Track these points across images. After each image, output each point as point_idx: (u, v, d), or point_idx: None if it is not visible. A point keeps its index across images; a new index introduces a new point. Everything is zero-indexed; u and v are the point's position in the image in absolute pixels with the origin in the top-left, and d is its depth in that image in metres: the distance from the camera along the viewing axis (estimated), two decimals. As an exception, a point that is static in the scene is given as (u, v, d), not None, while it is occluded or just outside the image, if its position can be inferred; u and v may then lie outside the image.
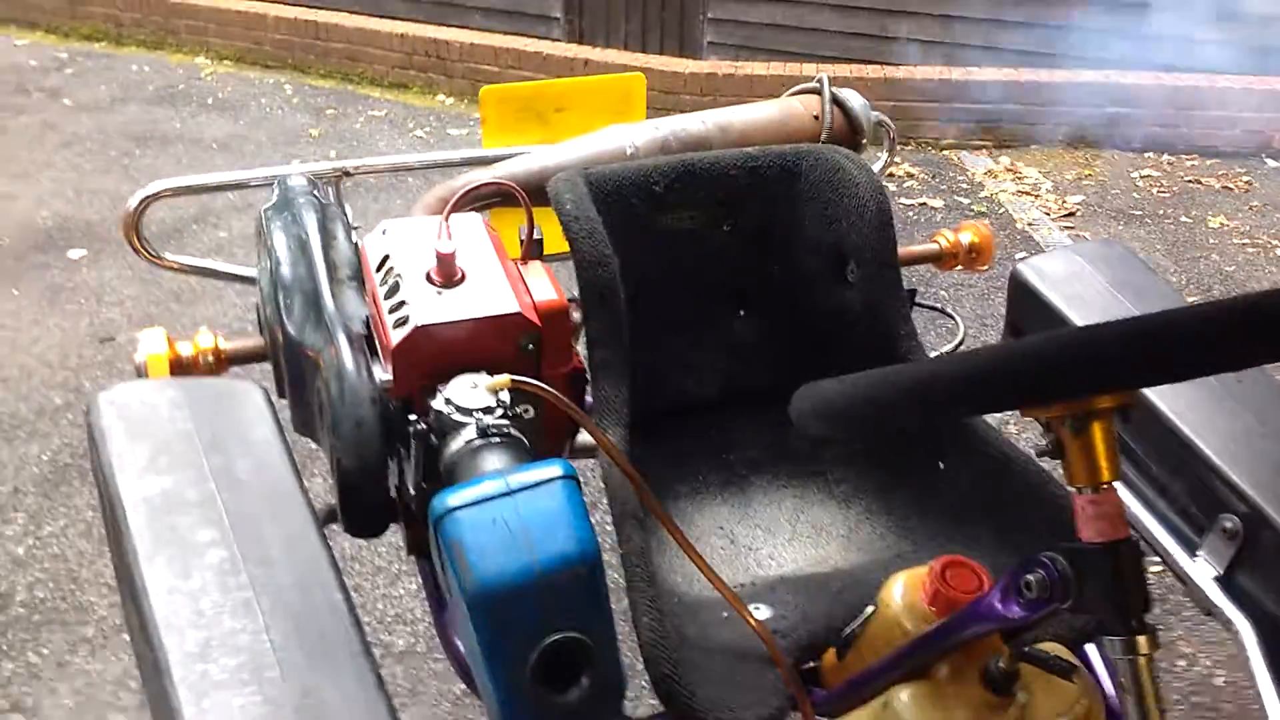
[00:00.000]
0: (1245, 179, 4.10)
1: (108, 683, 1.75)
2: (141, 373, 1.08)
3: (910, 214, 3.69)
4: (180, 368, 1.11)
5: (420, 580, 1.23)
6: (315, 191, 1.18)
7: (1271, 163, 4.27)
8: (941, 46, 4.48)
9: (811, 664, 0.97)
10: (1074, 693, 0.79)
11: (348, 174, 1.34)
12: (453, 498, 0.73)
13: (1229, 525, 1.00)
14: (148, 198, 1.29)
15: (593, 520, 0.77)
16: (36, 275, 3.05)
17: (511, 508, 0.72)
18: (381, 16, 5.07)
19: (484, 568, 0.70)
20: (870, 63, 4.53)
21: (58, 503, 2.16)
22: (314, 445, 1.13)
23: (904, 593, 0.86)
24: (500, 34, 4.92)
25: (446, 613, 1.03)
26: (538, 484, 0.74)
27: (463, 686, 1.56)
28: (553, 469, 0.75)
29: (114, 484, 0.81)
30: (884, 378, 0.66)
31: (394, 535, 1.07)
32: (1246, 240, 3.59)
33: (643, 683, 0.89)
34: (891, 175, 3.97)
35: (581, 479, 0.77)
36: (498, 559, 0.70)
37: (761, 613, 1.02)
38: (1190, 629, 1.92)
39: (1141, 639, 0.66)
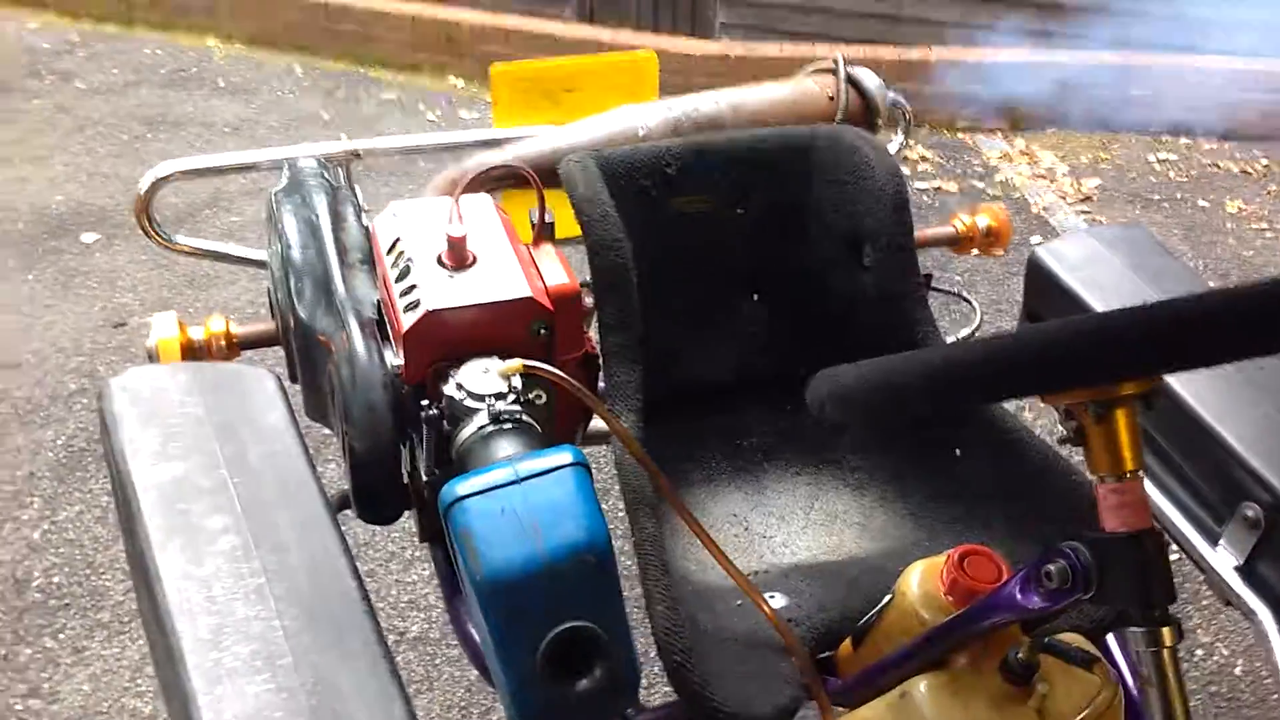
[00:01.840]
0: (1264, 163, 4.05)
1: (124, 668, 1.76)
2: (153, 358, 1.08)
3: (924, 198, 3.65)
4: (192, 352, 1.10)
5: (433, 566, 1.23)
6: (325, 174, 1.17)
7: (1291, 146, 4.21)
8: (957, 27, 4.43)
9: (827, 653, 0.96)
10: (1095, 684, 0.78)
11: (358, 156, 1.33)
12: (461, 486, 0.72)
13: (1250, 514, 0.99)
14: (159, 179, 1.28)
15: (605, 506, 0.76)
16: (50, 260, 3.06)
17: (520, 496, 0.72)
18: (392, -2, 5.04)
19: (492, 557, 0.70)
20: (885, 44, 4.49)
21: (73, 488, 2.17)
22: (328, 431, 1.12)
23: (921, 582, 0.85)
24: (512, 15, 4.89)
25: (459, 600, 1.02)
26: (547, 471, 0.73)
27: (476, 673, 1.56)
28: (562, 456, 0.74)
29: (126, 470, 0.81)
30: (901, 364, 0.65)
31: (407, 520, 1.07)
32: (1265, 225, 3.55)
33: (658, 670, 0.88)
34: (905, 158, 3.93)
35: (594, 465, 0.76)
36: (506, 548, 0.70)
37: (776, 601, 1.01)
38: (1208, 618, 1.90)
39: (1165, 630, 0.65)
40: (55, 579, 1.94)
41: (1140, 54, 4.25)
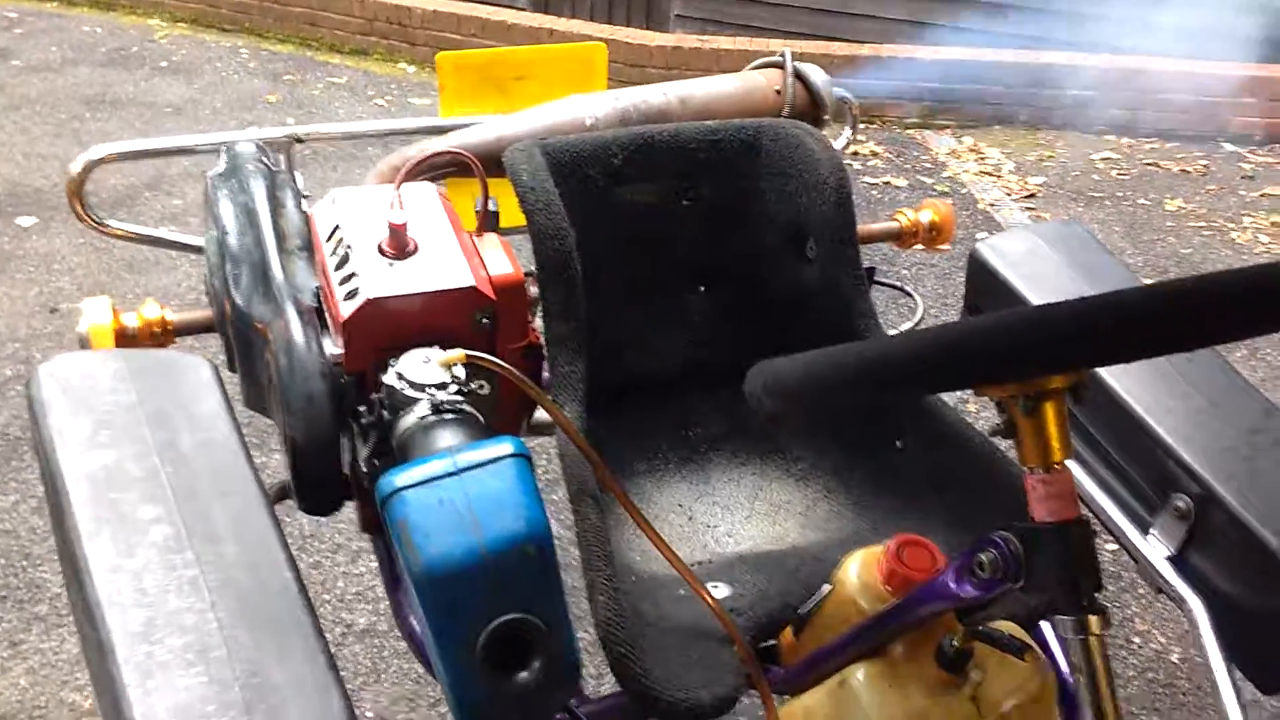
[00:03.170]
0: (1202, 162, 4.15)
1: (63, 661, 1.72)
2: (85, 344, 1.05)
3: (874, 193, 3.69)
4: (125, 339, 1.08)
5: (377, 558, 1.22)
6: (265, 158, 1.15)
7: (1228, 146, 4.32)
8: (904, 24, 4.48)
9: (769, 642, 0.97)
10: (1027, 671, 0.79)
11: (299, 140, 1.30)
12: (399, 477, 0.71)
13: (1181, 505, 1.01)
14: (92, 162, 1.25)
15: (554, 498, 0.76)
16: (-17, 243, 2.97)
17: (459, 487, 0.71)
18: (342, -18, 4.96)
19: (429, 549, 0.69)
20: (836, 39, 4.52)
21: (8, 477, 2.11)
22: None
23: (860, 571, 0.86)
24: (464, 1, 4.84)
25: (401, 592, 1.01)
26: (486, 463, 0.72)
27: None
28: (503, 447, 0.74)
29: (55, 459, 0.79)
30: (837, 356, 0.66)
31: (354, 511, 1.05)
32: (1203, 223, 3.64)
33: (603, 660, 0.88)
34: (856, 154, 3.96)
35: (543, 455, 0.76)
36: (443, 540, 0.69)
37: (719, 591, 1.02)
38: (1145, 606, 1.95)
39: (1093, 618, 0.66)
40: (-13, 571, 1.89)
41: (1081, 54, 4.34)
